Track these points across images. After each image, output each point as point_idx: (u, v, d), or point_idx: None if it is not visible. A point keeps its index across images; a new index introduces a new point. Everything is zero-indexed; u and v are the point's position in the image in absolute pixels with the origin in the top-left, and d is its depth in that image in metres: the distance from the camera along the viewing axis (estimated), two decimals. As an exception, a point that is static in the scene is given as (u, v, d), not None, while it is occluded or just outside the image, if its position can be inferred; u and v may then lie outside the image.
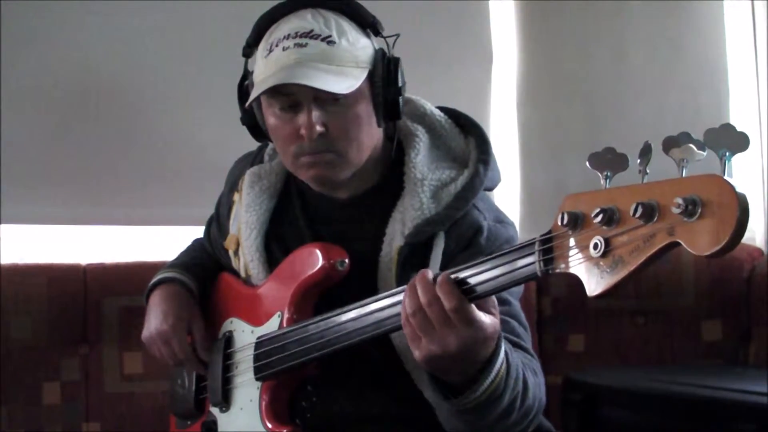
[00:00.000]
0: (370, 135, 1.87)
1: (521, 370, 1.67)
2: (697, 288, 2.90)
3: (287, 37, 1.81)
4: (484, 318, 1.53)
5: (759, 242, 3.08)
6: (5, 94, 2.81)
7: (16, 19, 2.82)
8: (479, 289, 1.52)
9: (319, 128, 1.80)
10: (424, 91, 2.04)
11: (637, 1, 3.14)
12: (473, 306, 1.52)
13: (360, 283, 1.84)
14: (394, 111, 1.87)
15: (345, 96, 1.79)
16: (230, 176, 2.16)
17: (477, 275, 1.53)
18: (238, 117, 1.95)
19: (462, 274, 1.54)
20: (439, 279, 1.54)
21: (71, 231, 2.95)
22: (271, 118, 1.86)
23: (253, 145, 2.07)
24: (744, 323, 2.91)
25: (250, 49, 1.90)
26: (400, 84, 1.86)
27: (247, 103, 1.85)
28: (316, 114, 1.80)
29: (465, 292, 1.53)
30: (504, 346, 1.60)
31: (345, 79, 1.79)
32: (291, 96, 1.81)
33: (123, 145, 2.93)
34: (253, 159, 2.10)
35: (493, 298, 1.57)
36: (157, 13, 2.92)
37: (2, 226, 2.85)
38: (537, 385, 1.74)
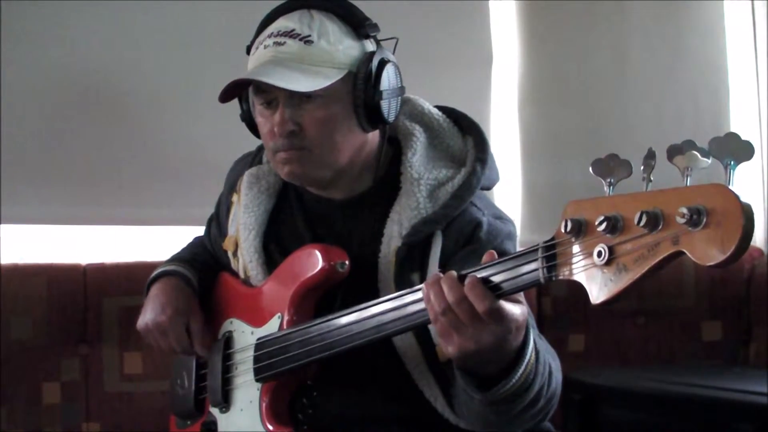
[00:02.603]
0: (348, 136, 1.86)
1: (546, 356, 1.66)
2: (698, 288, 2.91)
3: (270, 35, 1.83)
4: (515, 310, 1.51)
5: (759, 242, 3.09)
6: (5, 94, 2.81)
7: (16, 19, 2.81)
8: (505, 286, 1.50)
9: (290, 126, 1.81)
10: (425, 91, 2.04)
11: (637, 1, 3.14)
12: (502, 302, 1.50)
13: (360, 283, 1.84)
14: (376, 115, 1.85)
15: (320, 95, 1.80)
16: (229, 176, 2.16)
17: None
18: (237, 117, 1.96)
19: (482, 274, 1.52)
20: (467, 281, 1.51)
21: (71, 231, 2.94)
22: (258, 115, 1.88)
23: (252, 144, 2.07)
24: (744, 323, 2.92)
25: (251, 48, 1.91)
26: (383, 87, 1.84)
27: (219, 97, 1.85)
28: (287, 111, 1.81)
29: (491, 290, 1.51)
30: (532, 333, 1.58)
31: (314, 78, 1.79)
32: (268, 93, 1.83)
33: (123, 145, 2.93)
34: (252, 159, 2.10)
35: None
36: (157, 13, 2.92)
37: (2, 226, 2.85)
38: (558, 369, 1.74)
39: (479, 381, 1.59)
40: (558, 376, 1.73)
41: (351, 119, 1.84)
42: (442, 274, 1.54)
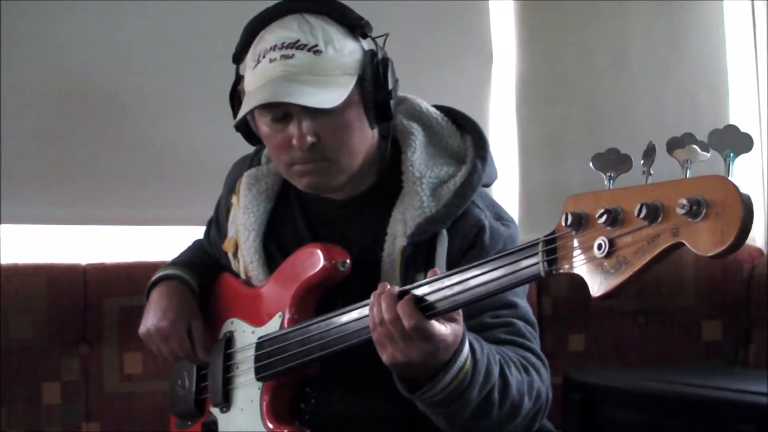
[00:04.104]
0: (363, 139, 1.86)
1: (494, 366, 1.69)
2: (698, 288, 2.91)
3: (273, 48, 1.81)
4: (444, 330, 1.59)
5: (759, 242, 3.09)
6: (5, 94, 2.81)
7: (16, 19, 2.82)
8: (439, 305, 1.59)
9: (310, 138, 1.80)
10: (424, 90, 2.05)
11: (637, 1, 3.15)
12: (432, 322, 1.58)
13: (361, 283, 1.83)
14: (386, 113, 1.86)
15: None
16: (228, 179, 2.16)
17: (468, 281, 1.55)
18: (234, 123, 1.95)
19: (421, 291, 1.60)
20: (402, 299, 1.60)
21: (71, 231, 2.94)
22: (264, 127, 1.87)
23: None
24: (744, 323, 2.91)
25: (239, 56, 1.90)
26: (390, 86, 1.84)
27: (236, 119, 1.86)
28: (306, 124, 1.80)
29: (425, 309, 1.59)
30: (468, 344, 1.64)
31: (333, 90, 1.78)
32: (281, 108, 1.81)
33: (123, 145, 2.93)
34: (251, 161, 2.10)
35: None
36: (157, 14, 2.92)
37: (2, 226, 2.84)
38: (525, 383, 1.76)
39: (411, 384, 1.66)
40: (525, 389, 1.76)
41: (363, 121, 1.85)
42: (387, 287, 1.63)
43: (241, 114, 1.84)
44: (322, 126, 1.81)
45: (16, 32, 2.83)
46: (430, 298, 1.59)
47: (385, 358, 1.62)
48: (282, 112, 1.82)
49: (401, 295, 1.61)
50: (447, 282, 1.58)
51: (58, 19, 2.87)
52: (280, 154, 1.86)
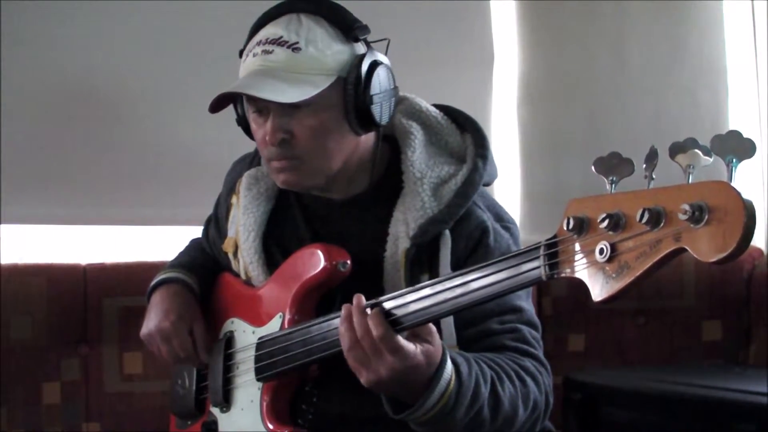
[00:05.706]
0: (340, 142, 1.85)
1: (484, 385, 1.69)
2: (698, 288, 2.91)
3: (259, 43, 1.82)
4: (409, 346, 1.59)
5: (759, 242, 3.09)
6: (5, 94, 2.81)
7: (16, 19, 2.82)
8: (406, 320, 1.61)
9: (280, 135, 1.81)
10: (425, 91, 2.04)
11: (637, 1, 3.15)
12: (399, 337, 1.59)
13: (362, 283, 1.81)
14: (367, 118, 1.84)
15: (310, 103, 1.79)
16: (228, 178, 2.16)
17: (470, 283, 1.55)
18: (236, 117, 1.95)
19: (391, 304, 1.62)
20: (371, 311, 1.61)
21: (71, 231, 2.95)
22: (251, 121, 1.88)
23: (251, 145, 2.06)
24: (744, 323, 2.92)
25: (243, 51, 1.91)
26: (374, 91, 1.83)
27: (208, 107, 1.85)
28: (278, 120, 1.81)
29: (393, 323, 1.60)
30: (452, 367, 1.64)
31: (302, 87, 1.78)
32: (258, 102, 1.82)
33: (123, 145, 2.93)
34: (251, 161, 2.10)
35: (430, 327, 1.62)
36: (157, 15, 2.92)
37: (2, 226, 2.85)
38: (519, 395, 1.76)
39: (396, 404, 1.68)
40: (518, 402, 1.76)
41: (343, 125, 1.84)
42: (351, 306, 1.64)
43: (212, 102, 1.83)
44: (296, 124, 1.81)
45: (16, 32, 2.83)
46: (398, 312, 1.61)
47: (362, 380, 1.63)
48: (260, 106, 1.83)
49: (371, 307, 1.63)
50: (428, 291, 1.60)
51: (58, 19, 2.87)
52: (261, 148, 1.87)
